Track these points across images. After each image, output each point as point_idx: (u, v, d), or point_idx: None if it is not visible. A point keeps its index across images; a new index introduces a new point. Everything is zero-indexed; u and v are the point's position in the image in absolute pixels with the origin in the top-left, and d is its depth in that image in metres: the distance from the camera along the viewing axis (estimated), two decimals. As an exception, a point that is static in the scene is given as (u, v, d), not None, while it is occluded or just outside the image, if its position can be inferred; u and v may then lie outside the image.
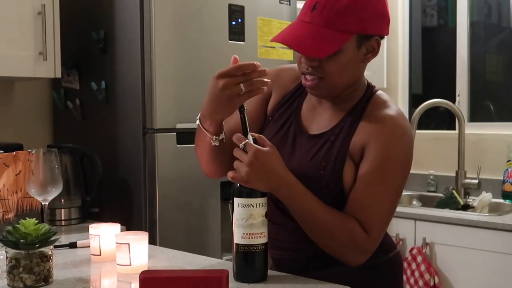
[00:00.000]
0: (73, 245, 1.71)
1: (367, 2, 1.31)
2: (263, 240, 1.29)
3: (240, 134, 1.29)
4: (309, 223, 1.35)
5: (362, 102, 1.42)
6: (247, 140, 1.28)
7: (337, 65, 1.34)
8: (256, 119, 1.52)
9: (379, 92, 1.46)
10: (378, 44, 1.37)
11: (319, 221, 1.33)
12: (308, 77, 1.38)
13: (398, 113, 1.40)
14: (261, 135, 1.33)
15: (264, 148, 1.28)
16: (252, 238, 1.27)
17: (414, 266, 2.58)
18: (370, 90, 1.45)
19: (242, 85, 1.27)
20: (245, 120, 1.30)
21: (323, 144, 1.41)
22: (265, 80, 1.29)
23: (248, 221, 1.27)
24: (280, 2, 2.58)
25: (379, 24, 1.35)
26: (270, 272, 1.34)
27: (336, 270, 1.39)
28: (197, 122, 1.39)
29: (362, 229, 1.33)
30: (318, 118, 1.46)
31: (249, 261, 1.29)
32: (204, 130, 1.37)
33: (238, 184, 1.29)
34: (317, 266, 1.43)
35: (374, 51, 1.38)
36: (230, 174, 1.29)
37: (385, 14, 1.36)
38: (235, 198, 1.28)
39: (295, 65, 1.49)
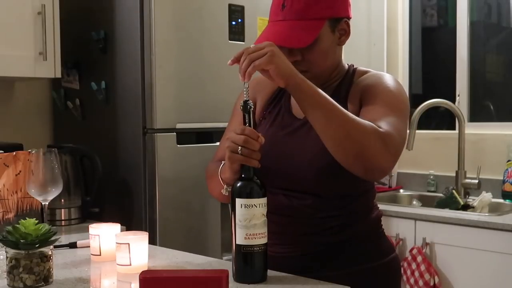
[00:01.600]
0: (73, 245, 1.71)
1: None
2: (264, 240, 1.28)
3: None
4: (329, 118, 1.28)
5: (347, 77, 1.50)
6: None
7: (318, 53, 1.41)
8: None
9: (360, 67, 1.54)
10: (348, 26, 1.46)
11: (338, 114, 1.28)
12: None
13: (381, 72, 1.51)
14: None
15: None
16: (254, 238, 1.27)
17: (414, 266, 2.58)
18: (351, 67, 1.53)
19: (239, 148, 1.27)
20: (250, 118, 1.30)
21: None
22: (257, 154, 1.29)
23: (251, 222, 1.26)
24: (280, 2, 2.57)
25: (345, 6, 1.45)
26: (270, 272, 1.33)
27: (334, 272, 1.40)
28: (219, 170, 1.41)
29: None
30: None
31: (251, 261, 1.28)
32: (220, 178, 1.39)
33: (238, 185, 1.29)
34: (315, 267, 1.43)
35: (346, 33, 1.47)
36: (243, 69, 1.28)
37: None
38: (237, 199, 1.28)
39: None
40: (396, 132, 1.31)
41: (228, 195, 1.37)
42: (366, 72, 1.51)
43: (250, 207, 1.27)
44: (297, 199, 1.44)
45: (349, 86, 1.47)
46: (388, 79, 1.45)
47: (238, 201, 1.28)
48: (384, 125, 1.31)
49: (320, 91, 1.29)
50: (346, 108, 1.40)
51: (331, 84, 1.49)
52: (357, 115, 1.37)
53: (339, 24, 1.44)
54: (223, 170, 1.38)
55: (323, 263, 1.44)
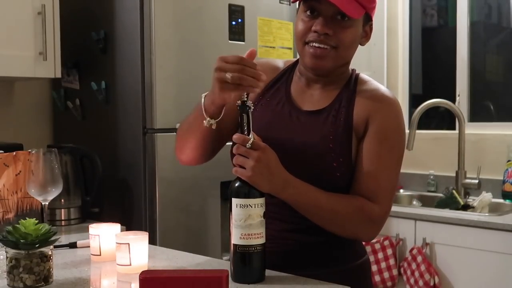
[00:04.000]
0: (73, 245, 1.71)
1: None
2: (261, 240, 1.28)
3: (241, 134, 1.29)
4: (317, 215, 1.38)
5: (351, 81, 1.50)
6: (253, 139, 1.28)
7: (350, 36, 1.42)
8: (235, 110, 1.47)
9: (361, 73, 1.56)
10: (371, 30, 1.50)
11: (326, 211, 1.37)
12: (317, 45, 1.40)
13: (386, 89, 1.53)
14: (259, 138, 1.32)
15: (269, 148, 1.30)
16: (250, 238, 1.27)
17: (414, 266, 2.58)
18: (354, 72, 1.54)
19: (228, 74, 1.27)
20: (248, 119, 1.28)
21: (326, 118, 1.44)
22: (259, 81, 1.30)
23: (246, 222, 1.26)
24: (280, 2, 2.58)
25: (374, 10, 1.47)
26: (269, 272, 1.33)
27: (310, 272, 1.39)
28: (202, 101, 1.39)
29: (371, 201, 1.39)
30: (310, 98, 1.50)
31: (246, 261, 1.28)
32: (203, 110, 1.38)
33: (236, 185, 1.28)
34: (294, 265, 1.43)
35: (367, 36, 1.50)
36: (234, 169, 1.30)
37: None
38: (233, 199, 1.28)
39: (269, 59, 1.61)
40: (391, 196, 1.45)
41: (212, 132, 1.40)
42: (369, 82, 1.51)
43: (246, 207, 1.26)
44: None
45: (353, 90, 1.47)
46: (398, 112, 1.47)
47: (234, 201, 1.27)
48: (380, 193, 1.41)
49: (310, 196, 1.35)
50: (351, 117, 1.42)
51: (340, 83, 1.49)
52: (360, 127, 1.42)
53: (367, 25, 1.47)
54: (209, 100, 1.37)
55: (303, 262, 1.44)
